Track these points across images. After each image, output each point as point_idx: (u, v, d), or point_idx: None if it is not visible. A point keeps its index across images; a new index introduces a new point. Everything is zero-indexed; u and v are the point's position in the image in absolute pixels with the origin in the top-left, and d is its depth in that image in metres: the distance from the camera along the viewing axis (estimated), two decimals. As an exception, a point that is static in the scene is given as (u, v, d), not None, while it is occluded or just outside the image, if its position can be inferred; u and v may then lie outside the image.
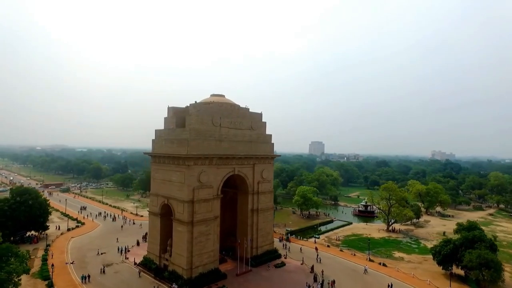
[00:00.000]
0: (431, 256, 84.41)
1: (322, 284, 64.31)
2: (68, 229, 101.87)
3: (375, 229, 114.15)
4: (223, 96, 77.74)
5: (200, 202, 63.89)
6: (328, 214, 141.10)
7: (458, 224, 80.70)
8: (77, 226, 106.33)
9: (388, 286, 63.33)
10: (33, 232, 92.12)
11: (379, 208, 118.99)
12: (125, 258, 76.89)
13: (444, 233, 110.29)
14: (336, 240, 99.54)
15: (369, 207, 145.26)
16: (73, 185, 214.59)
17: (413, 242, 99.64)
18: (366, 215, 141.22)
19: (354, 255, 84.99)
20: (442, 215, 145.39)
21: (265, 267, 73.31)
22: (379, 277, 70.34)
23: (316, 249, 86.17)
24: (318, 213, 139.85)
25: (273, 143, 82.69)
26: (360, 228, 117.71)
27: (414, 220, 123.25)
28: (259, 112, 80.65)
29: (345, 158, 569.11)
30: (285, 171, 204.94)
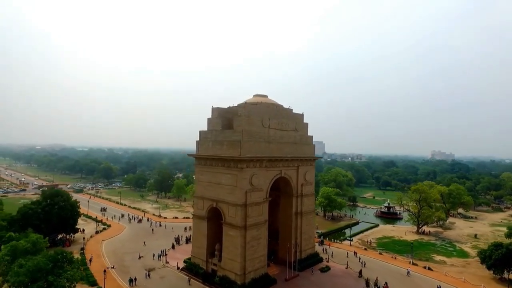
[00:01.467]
0: (472, 260, 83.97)
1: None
2: (97, 232, 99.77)
3: (404, 231, 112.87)
4: (266, 96, 76.07)
5: (252, 205, 62.21)
6: (352, 216, 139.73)
7: (509, 227, 79.44)
8: (104, 229, 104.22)
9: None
10: (63, 234, 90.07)
11: (408, 210, 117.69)
12: (166, 262, 75.02)
13: (475, 235, 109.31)
14: (368, 242, 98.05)
15: (391, 208, 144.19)
16: (82, 185, 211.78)
17: (448, 245, 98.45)
18: (389, 217, 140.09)
19: (395, 258, 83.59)
20: (465, 217, 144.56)
21: (309, 271, 71.83)
22: (428, 281, 68.92)
23: (355, 253, 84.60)
24: (341, 215, 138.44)
25: (314, 145, 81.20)
26: (389, 230, 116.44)
27: (440, 222, 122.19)
28: (301, 113, 79.05)
29: (350, 158, 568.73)
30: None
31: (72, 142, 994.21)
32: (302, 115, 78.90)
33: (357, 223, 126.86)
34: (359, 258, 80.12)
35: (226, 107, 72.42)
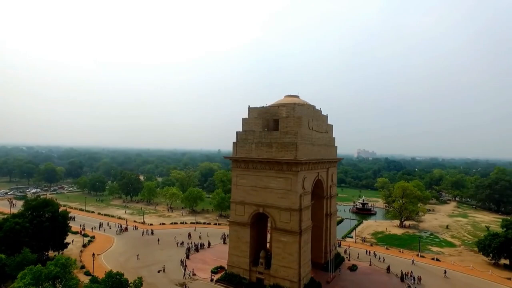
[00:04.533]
0: (460, 249, 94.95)
1: (411, 283, 66.97)
2: (84, 245, 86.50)
3: (388, 226, 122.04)
4: (298, 96, 74.60)
5: (304, 209, 60.74)
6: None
7: (504, 219, 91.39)
8: (89, 241, 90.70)
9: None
10: (50, 252, 75.96)
11: (392, 206, 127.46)
12: (192, 275, 68.61)
13: (447, 226, 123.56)
14: (364, 239, 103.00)
15: (366, 204, 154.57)
16: (21, 191, 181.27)
17: (432, 237, 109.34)
18: (365, 213, 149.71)
19: (402, 252, 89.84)
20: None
21: (337, 271, 72.99)
22: (442, 271, 75.31)
23: (368, 252, 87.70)
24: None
25: (336, 146, 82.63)
26: (375, 225, 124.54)
27: (416, 216, 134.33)
28: (325, 114, 79.62)
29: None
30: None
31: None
32: (327, 116, 79.56)
33: (342, 220, 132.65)
34: (375, 254, 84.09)
35: (259, 106, 69.22)
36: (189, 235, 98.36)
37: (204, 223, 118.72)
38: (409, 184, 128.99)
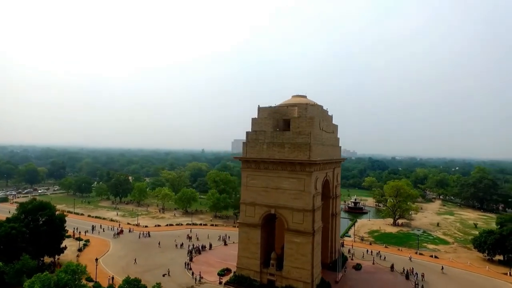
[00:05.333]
0: (453, 246, 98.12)
1: (416, 280, 68.33)
2: (79, 249, 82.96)
3: (381, 224, 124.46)
4: (305, 97, 74.27)
5: (317, 210, 60.70)
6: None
7: (499, 217, 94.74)
8: (84, 245, 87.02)
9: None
10: (45, 257, 72.28)
11: (385, 205, 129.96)
12: (201, 278, 67.01)
13: (438, 224, 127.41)
14: (361, 238, 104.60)
15: (357, 203, 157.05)
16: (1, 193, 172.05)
17: (425, 234, 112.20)
18: (357, 211, 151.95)
19: (400, 250, 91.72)
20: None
21: (343, 270, 73.48)
22: (448, 269, 76.79)
23: (369, 251, 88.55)
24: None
25: (340, 146, 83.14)
26: (368, 224, 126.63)
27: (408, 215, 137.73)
28: (331, 115, 79.92)
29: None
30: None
31: None
32: (332, 116, 79.88)
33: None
34: (378, 253, 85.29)
35: (268, 106, 68.52)
36: (189, 237, 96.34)
37: (200, 224, 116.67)
38: (403, 183, 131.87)
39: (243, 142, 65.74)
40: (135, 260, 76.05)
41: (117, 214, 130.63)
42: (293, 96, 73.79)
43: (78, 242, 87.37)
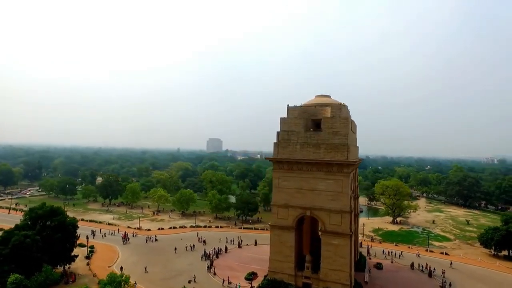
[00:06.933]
0: (456, 242, 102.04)
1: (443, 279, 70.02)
2: (87, 257, 77.37)
3: (381, 223, 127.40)
4: (329, 96, 73.68)
5: (353, 211, 60.30)
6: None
7: (503, 215, 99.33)
8: (91, 252, 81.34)
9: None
10: (58, 267, 66.47)
11: (383, 203, 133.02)
12: (229, 283, 64.60)
13: (433, 221, 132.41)
14: (371, 237, 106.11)
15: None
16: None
17: (426, 232, 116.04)
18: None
19: (410, 247, 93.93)
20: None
21: (367, 271, 73.81)
22: (461, 266, 79.65)
23: (388, 251, 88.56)
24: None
25: (358, 146, 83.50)
26: (368, 223, 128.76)
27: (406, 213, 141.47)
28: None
29: (259, 156, 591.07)
30: (251, 171, 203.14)
31: None
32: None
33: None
34: (393, 252, 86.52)
35: (298, 106, 67.21)
36: (203, 241, 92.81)
37: (204, 227, 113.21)
38: (401, 183, 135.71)
39: (274, 143, 64.05)
40: (145, 268, 71.12)
41: (113, 217, 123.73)
42: (317, 96, 72.93)
43: (83, 248, 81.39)
